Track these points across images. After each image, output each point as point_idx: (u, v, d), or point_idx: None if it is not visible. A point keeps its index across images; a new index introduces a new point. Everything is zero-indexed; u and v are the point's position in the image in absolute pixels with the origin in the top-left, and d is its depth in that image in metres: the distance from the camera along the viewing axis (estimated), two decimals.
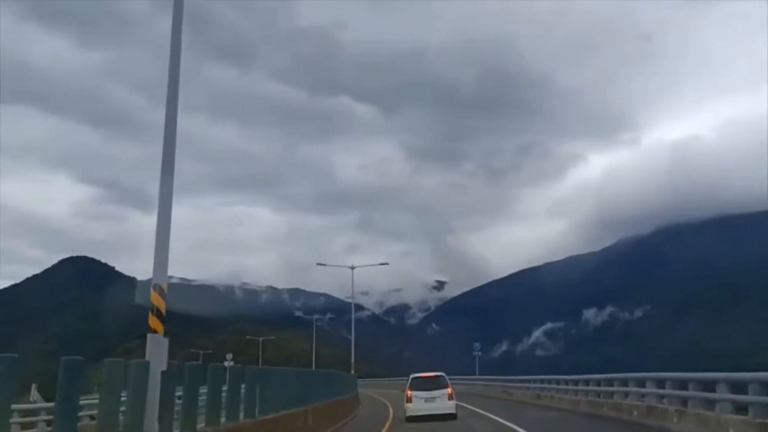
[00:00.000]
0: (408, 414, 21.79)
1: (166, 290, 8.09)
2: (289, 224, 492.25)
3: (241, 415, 11.13)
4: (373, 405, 35.53)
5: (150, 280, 8.16)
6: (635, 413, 17.11)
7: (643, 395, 17.31)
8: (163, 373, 7.79)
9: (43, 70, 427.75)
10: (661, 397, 16.03)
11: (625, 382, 18.75)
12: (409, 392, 22.11)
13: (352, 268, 50.62)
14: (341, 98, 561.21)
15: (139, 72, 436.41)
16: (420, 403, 21.66)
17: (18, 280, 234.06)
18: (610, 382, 20.06)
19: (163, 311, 8.05)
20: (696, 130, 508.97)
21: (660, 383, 16.15)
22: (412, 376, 23.35)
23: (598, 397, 21.24)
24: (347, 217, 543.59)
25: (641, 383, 17.33)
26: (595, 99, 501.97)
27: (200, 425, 9.29)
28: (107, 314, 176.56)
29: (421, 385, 22.22)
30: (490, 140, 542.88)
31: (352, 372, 47.35)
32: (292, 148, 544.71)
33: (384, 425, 20.03)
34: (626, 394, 18.70)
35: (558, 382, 26.35)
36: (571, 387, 24.31)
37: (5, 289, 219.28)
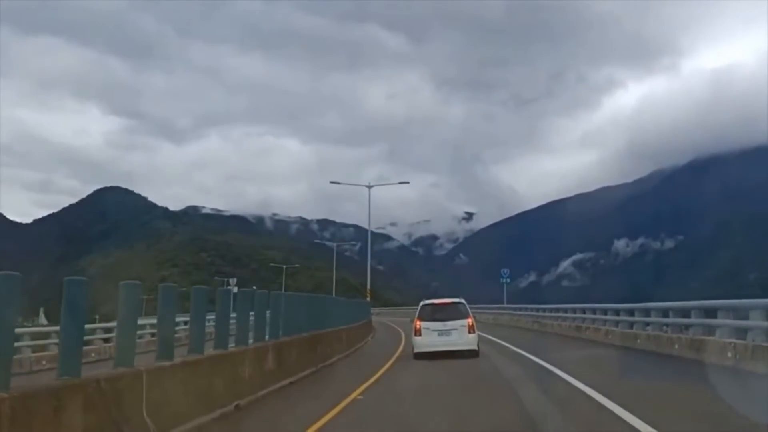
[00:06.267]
0: (417, 350, 16.93)
1: None
2: (318, 155, 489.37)
3: None
4: (388, 335, 32.00)
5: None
6: (729, 354, 12.22)
7: (740, 330, 12.44)
8: None
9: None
10: None
11: (709, 312, 13.82)
12: (418, 323, 17.06)
13: (369, 186, 47.23)
14: (369, 27, 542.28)
15: (167, 3, 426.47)
16: (432, 337, 16.76)
17: (56, 210, 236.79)
18: (685, 312, 15.09)
19: None
20: (738, 57, 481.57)
21: None
22: (422, 302, 18.19)
23: (662, 330, 16.46)
24: (376, 148, 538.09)
25: (741, 314, 12.38)
26: (632, 23, 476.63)
27: None
28: (142, 242, 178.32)
29: (433, 314, 17.19)
30: (521, 68, 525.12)
31: (367, 299, 43.46)
32: (320, 79, 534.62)
33: (382, 366, 15.39)
34: (708, 328, 13.89)
35: (606, 311, 21.21)
36: (623, 318, 19.36)
37: (44, 218, 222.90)
